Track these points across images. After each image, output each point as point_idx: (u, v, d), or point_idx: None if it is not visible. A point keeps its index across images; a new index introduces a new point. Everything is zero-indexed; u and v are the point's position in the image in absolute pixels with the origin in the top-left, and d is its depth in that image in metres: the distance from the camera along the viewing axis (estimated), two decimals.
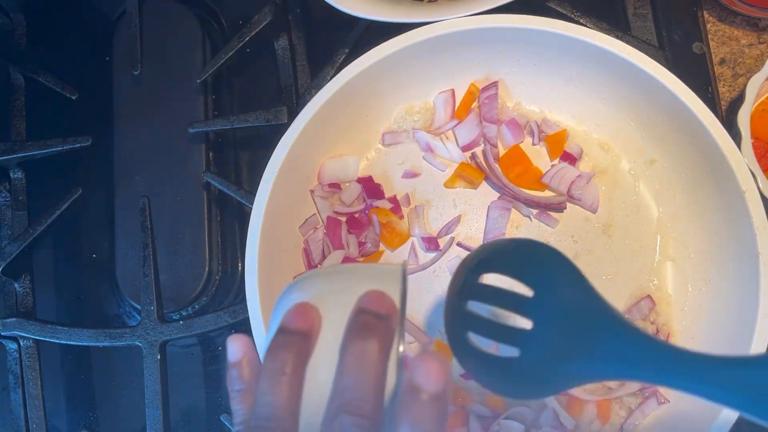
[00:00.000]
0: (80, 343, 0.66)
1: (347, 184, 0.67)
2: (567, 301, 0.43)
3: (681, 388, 0.39)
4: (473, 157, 0.67)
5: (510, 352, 0.44)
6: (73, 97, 0.73)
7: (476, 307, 0.46)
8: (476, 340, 0.45)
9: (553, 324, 0.43)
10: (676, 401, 0.61)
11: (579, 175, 0.66)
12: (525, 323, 0.44)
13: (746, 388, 0.38)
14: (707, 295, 0.62)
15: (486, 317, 0.45)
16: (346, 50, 0.70)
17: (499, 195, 0.67)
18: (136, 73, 0.72)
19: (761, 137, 0.65)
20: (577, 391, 0.61)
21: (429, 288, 0.66)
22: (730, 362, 0.39)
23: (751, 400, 0.37)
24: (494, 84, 0.67)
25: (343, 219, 0.66)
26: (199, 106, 0.72)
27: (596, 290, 0.44)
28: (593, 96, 0.66)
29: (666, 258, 0.65)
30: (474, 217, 0.67)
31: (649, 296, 0.64)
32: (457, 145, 0.68)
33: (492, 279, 0.46)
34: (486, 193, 0.68)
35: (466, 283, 0.47)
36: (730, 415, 0.54)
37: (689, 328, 0.63)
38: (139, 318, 0.65)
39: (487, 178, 0.67)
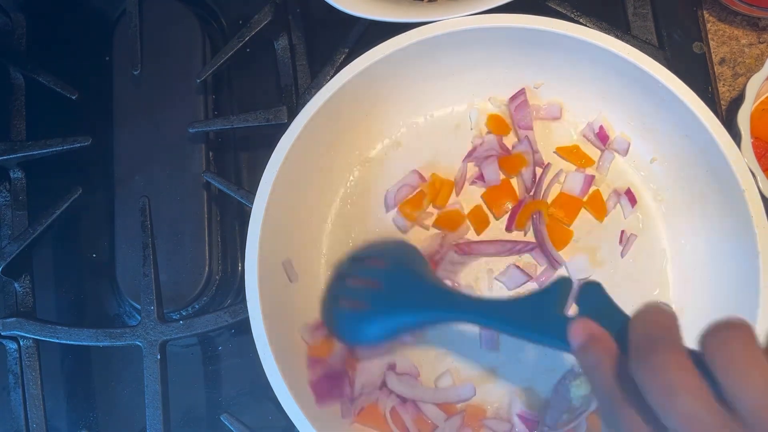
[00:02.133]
0: (80, 343, 0.66)
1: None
2: (408, 273, 0.59)
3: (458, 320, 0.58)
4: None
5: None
6: (73, 97, 0.73)
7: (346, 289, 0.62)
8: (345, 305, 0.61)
9: (395, 286, 0.59)
10: None
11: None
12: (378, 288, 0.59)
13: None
14: (707, 294, 0.62)
15: (352, 287, 0.61)
16: (346, 50, 0.70)
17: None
18: (136, 73, 0.72)
19: (761, 137, 0.65)
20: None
21: None
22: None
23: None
24: (521, 92, 0.67)
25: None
26: (199, 106, 0.72)
27: (428, 271, 0.61)
28: (592, 95, 0.66)
29: (666, 258, 0.65)
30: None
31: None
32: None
33: None
34: None
35: (345, 267, 0.64)
36: None
37: (689, 327, 0.63)
38: (139, 318, 0.65)
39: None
